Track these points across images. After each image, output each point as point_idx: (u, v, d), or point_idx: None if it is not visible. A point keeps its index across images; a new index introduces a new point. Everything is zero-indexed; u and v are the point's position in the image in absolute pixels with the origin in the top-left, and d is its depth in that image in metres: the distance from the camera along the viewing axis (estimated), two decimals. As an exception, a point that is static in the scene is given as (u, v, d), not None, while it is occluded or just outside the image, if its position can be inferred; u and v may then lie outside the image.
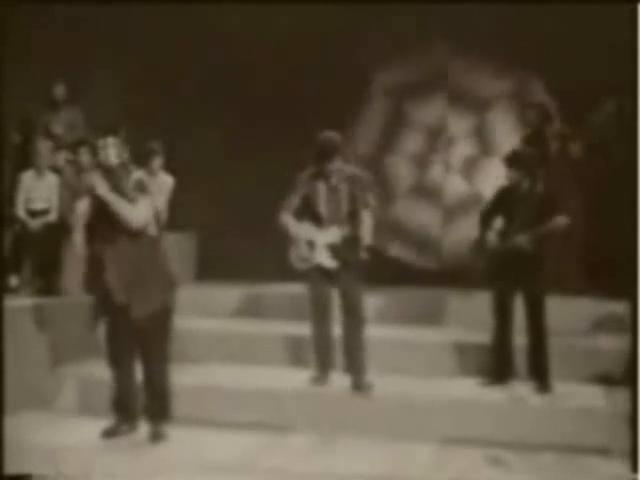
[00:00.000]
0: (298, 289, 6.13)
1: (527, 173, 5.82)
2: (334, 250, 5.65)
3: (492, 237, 5.85)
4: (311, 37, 8.02)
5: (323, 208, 5.66)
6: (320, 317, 5.73)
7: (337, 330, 5.83)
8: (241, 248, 8.19)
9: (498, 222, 5.91)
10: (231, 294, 7.60)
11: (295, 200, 5.70)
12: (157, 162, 7.36)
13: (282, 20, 8.11)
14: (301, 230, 5.68)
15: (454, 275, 7.57)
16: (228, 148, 8.36)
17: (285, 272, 5.97)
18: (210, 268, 8.17)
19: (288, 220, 5.68)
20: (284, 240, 7.20)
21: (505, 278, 5.82)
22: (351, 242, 5.62)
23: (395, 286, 6.33)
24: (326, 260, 5.64)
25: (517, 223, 5.76)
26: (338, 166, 5.67)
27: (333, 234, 5.64)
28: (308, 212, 5.67)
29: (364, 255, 5.57)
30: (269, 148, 8.24)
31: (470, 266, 6.11)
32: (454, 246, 8.29)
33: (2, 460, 4.68)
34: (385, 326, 6.12)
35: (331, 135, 5.72)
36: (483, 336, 6.07)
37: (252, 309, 7.42)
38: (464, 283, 6.89)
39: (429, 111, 8.64)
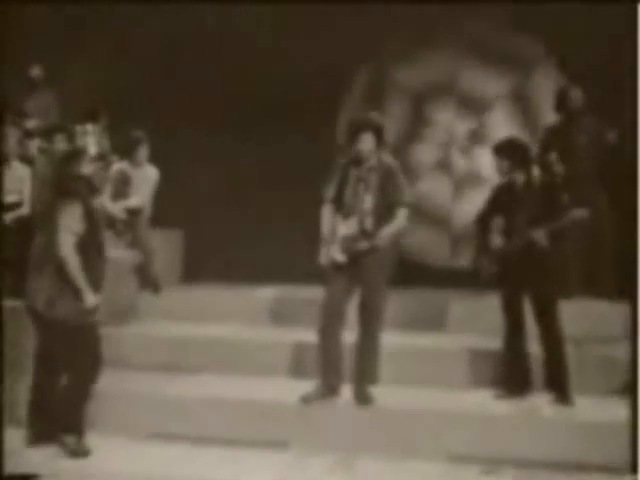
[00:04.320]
0: (308, 293, 6.10)
1: (517, 164, 5.76)
2: (345, 243, 5.54)
3: (496, 239, 5.80)
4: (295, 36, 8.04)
5: (348, 197, 5.56)
6: (330, 322, 5.56)
7: (348, 339, 5.71)
8: (232, 247, 8.13)
9: (498, 223, 5.87)
10: (225, 297, 7.48)
11: (332, 188, 5.63)
12: (142, 152, 7.21)
13: (265, 19, 8.15)
14: (327, 220, 5.61)
15: (460, 275, 7.44)
16: (217, 143, 8.27)
17: (285, 274, 6.03)
18: (198, 269, 8.09)
19: (324, 210, 5.62)
20: (279, 239, 7.53)
21: (513, 280, 5.76)
22: (365, 237, 5.52)
23: (395, 287, 6.00)
24: (337, 253, 5.53)
25: (520, 220, 5.69)
26: (371, 153, 5.56)
27: (350, 226, 5.54)
28: (339, 201, 5.61)
29: (377, 252, 5.50)
30: (265, 144, 8.25)
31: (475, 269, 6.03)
32: (463, 240, 7.92)
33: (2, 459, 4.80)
34: (386, 331, 5.81)
35: (367, 115, 5.68)
36: (495, 343, 5.97)
37: (249, 314, 7.25)
38: (471, 283, 6.64)
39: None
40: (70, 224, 4.89)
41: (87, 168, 5.04)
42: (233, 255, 8.07)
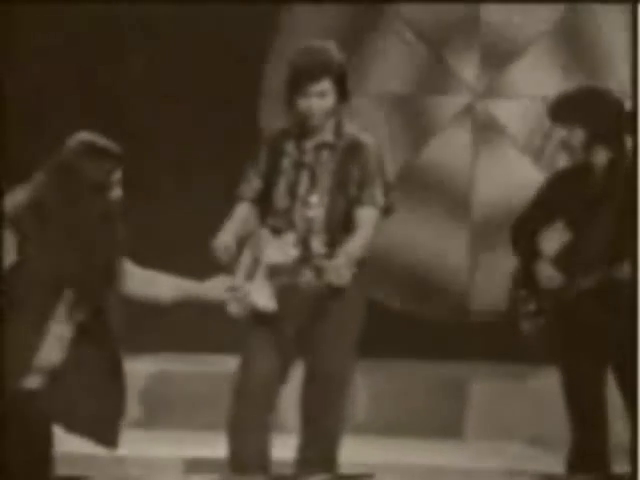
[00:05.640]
0: (210, 365, 5.72)
1: (599, 136, 4.56)
2: (276, 277, 4.35)
3: (548, 270, 4.56)
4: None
5: (282, 197, 4.44)
6: (248, 418, 4.39)
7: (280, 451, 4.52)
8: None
9: (553, 239, 4.72)
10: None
11: (255, 180, 4.53)
12: None
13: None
14: (235, 228, 4.46)
15: (486, 333, 5.97)
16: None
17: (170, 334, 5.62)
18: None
19: (236, 213, 4.45)
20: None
21: (585, 343, 4.57)
22: (311, 266, 4.41)
23: (379, 359, 5.12)
24: (258, 295, 4.23)
25: (598, 237, 4.56)
26: (326, 117, 4.39)
27: (285, 248, 4.37)
28: (265, 203, 4.57)
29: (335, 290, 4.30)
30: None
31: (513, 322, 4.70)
32: (489, 282, 6.49)
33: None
34: (351, 438, 4.48)
35: (320, 48, 4.41)
36: (553, 457, 4.84)
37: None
38: (506, 350, 5.52)
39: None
40: None
41: (117, 191, 3.93)
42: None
